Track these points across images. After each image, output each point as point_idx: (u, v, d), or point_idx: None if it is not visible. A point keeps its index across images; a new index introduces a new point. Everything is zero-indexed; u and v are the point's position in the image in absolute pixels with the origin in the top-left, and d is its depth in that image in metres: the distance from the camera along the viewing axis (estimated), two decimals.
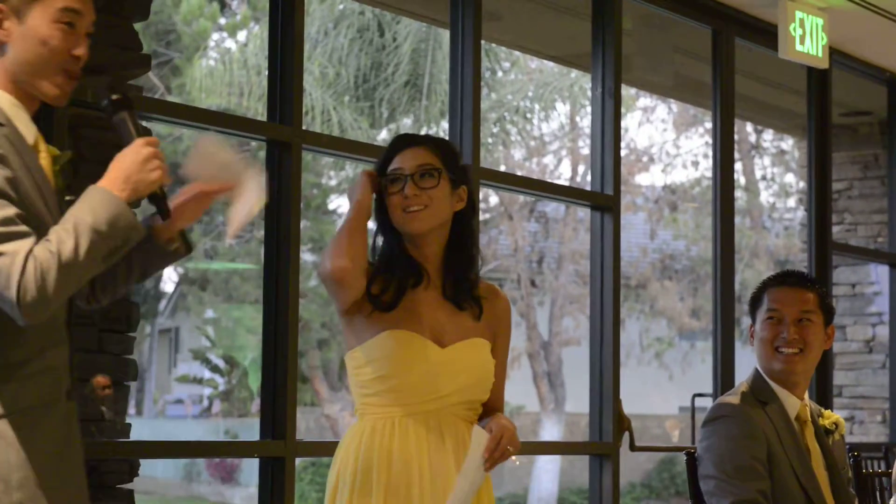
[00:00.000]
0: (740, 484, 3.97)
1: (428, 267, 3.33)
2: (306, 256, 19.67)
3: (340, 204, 20.57)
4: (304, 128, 5.01)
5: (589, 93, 6.39)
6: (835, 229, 8.29)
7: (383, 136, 18.22)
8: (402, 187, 3.26)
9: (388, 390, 3.25)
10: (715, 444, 4.05)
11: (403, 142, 3.35)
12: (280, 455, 4.75)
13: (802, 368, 4.12)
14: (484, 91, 16.83)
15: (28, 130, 2.70)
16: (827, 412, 4.31)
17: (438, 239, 3.32)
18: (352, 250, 3.18)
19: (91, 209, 2.58)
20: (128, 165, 2.66)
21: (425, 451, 3.23)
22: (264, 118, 5.06)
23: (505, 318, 3.42)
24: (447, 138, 3.75)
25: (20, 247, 2.51)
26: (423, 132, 18.30)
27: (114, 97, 2.77)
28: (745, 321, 21.88)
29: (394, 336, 3.25)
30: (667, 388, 22.20)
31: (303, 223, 5.08)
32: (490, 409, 3.36)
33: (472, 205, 3.38)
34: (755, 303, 4.19)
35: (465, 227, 3.35)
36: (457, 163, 3.36)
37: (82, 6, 2.72)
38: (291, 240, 4.80)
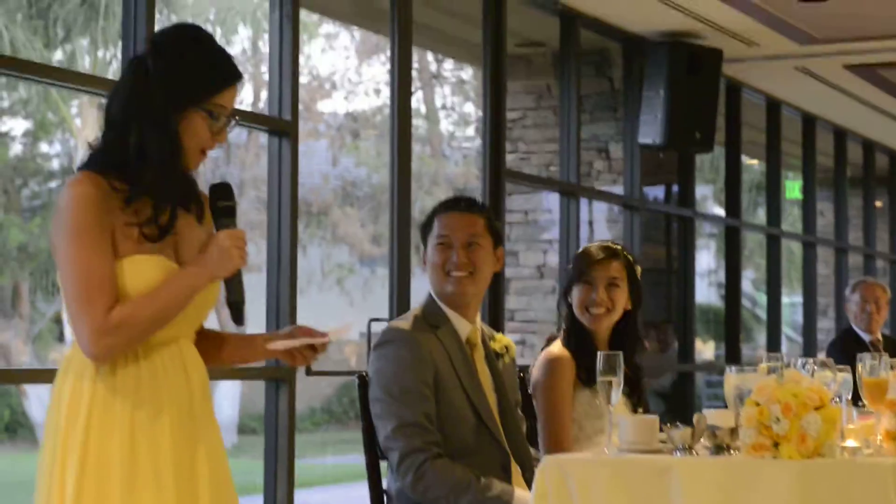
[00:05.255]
0: (405, 407, 4.03)
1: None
2: None
3: (13, 126, 19.86)
4: None
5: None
6: (509, 157, 8.47)
7: (58, 58, 17.64)
8: (220, 129, 3.11)
9: None
10: (383, 368, 4.10)
11: (236, 78, 3.15)
12: None
13: (473, 291, 4.21)
14: (163, 13, 16.47)
15: None
16: (498, 335, 4.41)
17: None
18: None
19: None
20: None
21: (174, 383, 3.05)
22: None
23: None
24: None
25: None
26: (100, 53, 17.80)
27: (225, 205, 3.15)
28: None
29: (146, 262, 3.02)
30: (347, 314, 22.39)
31: None
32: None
33: None
34: (426, 229, 4.25)
35: None
36: None
37: None
38: None
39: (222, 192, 3.13)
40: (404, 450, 4.01)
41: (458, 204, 4.24)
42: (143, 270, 3.00)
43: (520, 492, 4.04)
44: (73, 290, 2.94)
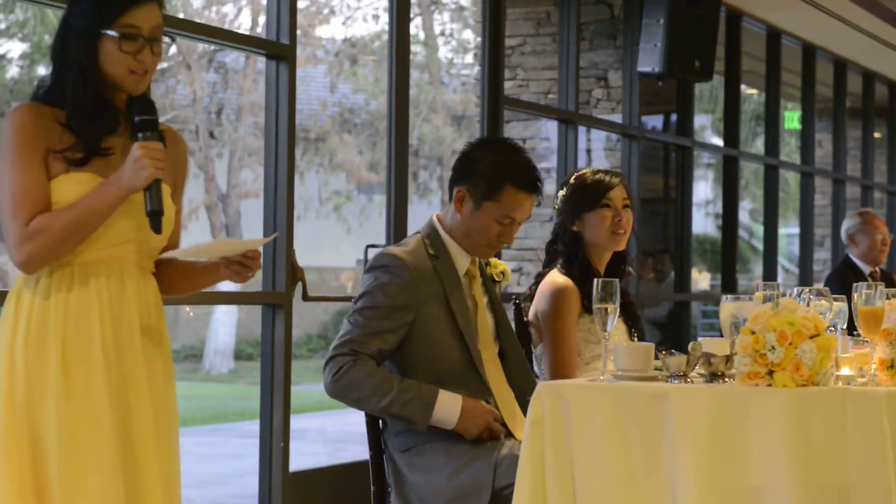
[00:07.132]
0: (362, 320, 4.03)
1: (119, 113, 3.28)
2: None
3: (10, 49, 19.76)
4: None
5: None
6: (507, 85, 8.44)
7: None
8: (137, 49, 3.19)
9: None
10: (364, 290, 4.09)
11: None
12: None
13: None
14: None
15: None
16: (494, 261, 4.41)
17: None
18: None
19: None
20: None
21: (106, 299, 3.18)
22: None
23: (185, 163, 3.42)
24: None
25: None
26: None
27: (140, 119, 3.19)
28: (422, 175, 22.20)
29: (72, 179, 3.17)
30: (344, 241, 22.41)
31: None
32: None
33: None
34: (485, 184, 4.16)
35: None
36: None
37: None
38: None
39: (140, 106, 3.22)
40: (330, 355, 4.03)
41: (535, 187, 4.24)
42: (70, 188, 3.14)
43: (445, 392, 4.01)
44: (3, 206, 3.14)
